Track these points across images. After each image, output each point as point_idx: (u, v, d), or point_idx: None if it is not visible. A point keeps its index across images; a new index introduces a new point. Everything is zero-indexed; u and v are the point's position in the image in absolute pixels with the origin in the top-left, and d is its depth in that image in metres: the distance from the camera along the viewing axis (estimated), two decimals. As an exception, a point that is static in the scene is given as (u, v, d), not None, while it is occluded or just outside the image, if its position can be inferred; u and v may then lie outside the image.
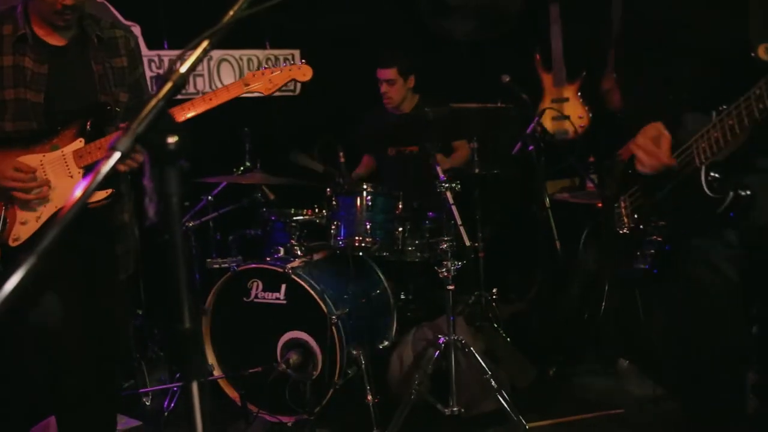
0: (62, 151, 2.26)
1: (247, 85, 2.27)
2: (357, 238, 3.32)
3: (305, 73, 2.36)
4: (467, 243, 3.12)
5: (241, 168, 3.71)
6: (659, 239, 1.83)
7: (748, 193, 1.69)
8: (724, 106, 1.62)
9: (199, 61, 0.96)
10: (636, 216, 1.91)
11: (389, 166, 4.07)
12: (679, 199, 1.77)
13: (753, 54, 1.59)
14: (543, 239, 3.77)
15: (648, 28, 1.80)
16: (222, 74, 4.33)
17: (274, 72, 2.32)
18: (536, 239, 3.88)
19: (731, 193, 1.68)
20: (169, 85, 0.94)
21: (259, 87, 2.30)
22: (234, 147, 3.78)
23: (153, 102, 0.93)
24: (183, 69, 0.95)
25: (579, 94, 4.40)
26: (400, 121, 3.48)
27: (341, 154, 3.58)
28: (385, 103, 3.92)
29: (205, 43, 0.95)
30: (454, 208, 3.03)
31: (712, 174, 1.69)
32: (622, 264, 1.94)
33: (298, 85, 4.36)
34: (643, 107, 1.77)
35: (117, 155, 0.89)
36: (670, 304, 1.90)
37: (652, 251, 1.84)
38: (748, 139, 1.64)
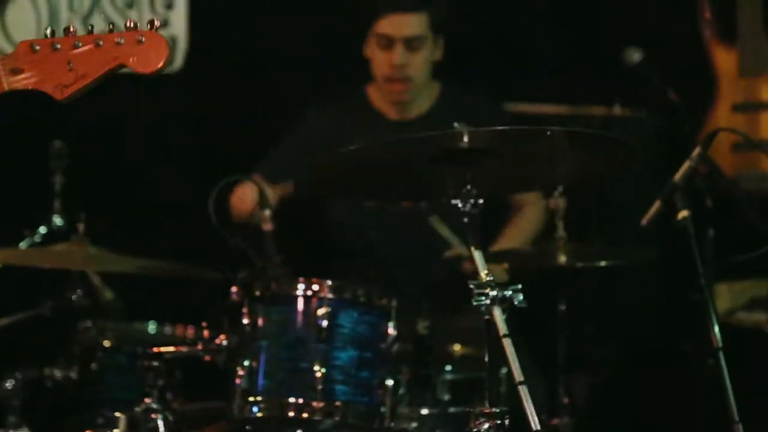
0: None
1: (15, 72, 2.34)
2: (293, 400, 3.41)
3: (153, 53, 2.40)
4: (534, 425, 3.04)
5: (40, 230, 3.87)
6: None
7: None
8: None
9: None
10: None
11: (366, 234, 4.34)
12: None
13: None
14: (713, 420, 3.83)
15: None
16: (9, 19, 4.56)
17: (79, 47, 2.38)
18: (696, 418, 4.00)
19: None
20: None
21: (35, 81, 2.37)
22: (30, 183, 4.06)
23: None
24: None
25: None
26: (418, 136, 3.44)
27: (267, 213, 3.61)
28: (395, 91, 4.29)
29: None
30: (507, 343, 2.98)
31: None
32: None
33: (178, 56, 4.58)
34: None
35: None
36: None
37: None
38: None
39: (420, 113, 4.32)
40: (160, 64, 2.47)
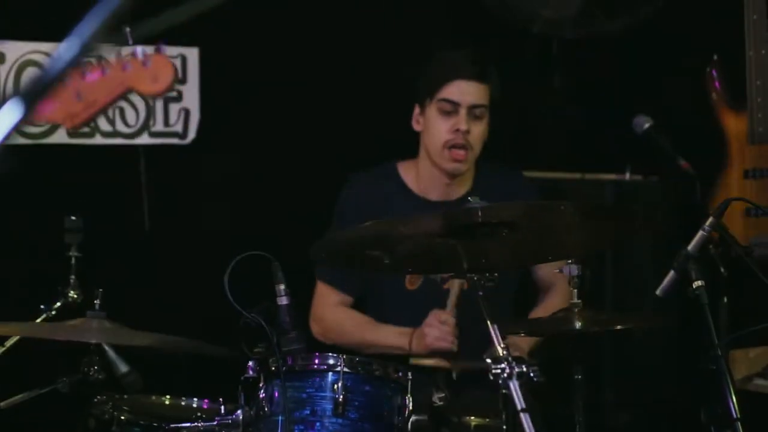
0: None
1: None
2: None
3: (158, 74, 2.48)
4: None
5: (56, 305, 3.86)
6: None
7: None
8: None
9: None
10: None
11: (401, 311, 4.32)
12: None
13: None
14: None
15: None
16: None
17: (86, 73, 2.47)
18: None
19: None
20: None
21: (46, 113, 2.33)
22: (43, 258, 4.12)
23: None
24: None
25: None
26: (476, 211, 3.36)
27: (282, 287, 3.53)
28: (455, 158, 4.25)
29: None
30: (524, 417, 3.03)
31: None
32: None
33: (191, 128, 4.70)
34: None
35: None
36: None
37: None
38: None
39: (462, 194, 4.30)
40: (166, 85, 2.49)
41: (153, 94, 2.75)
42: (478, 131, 4.19)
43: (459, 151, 4.18)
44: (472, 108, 4.15)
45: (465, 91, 4.19)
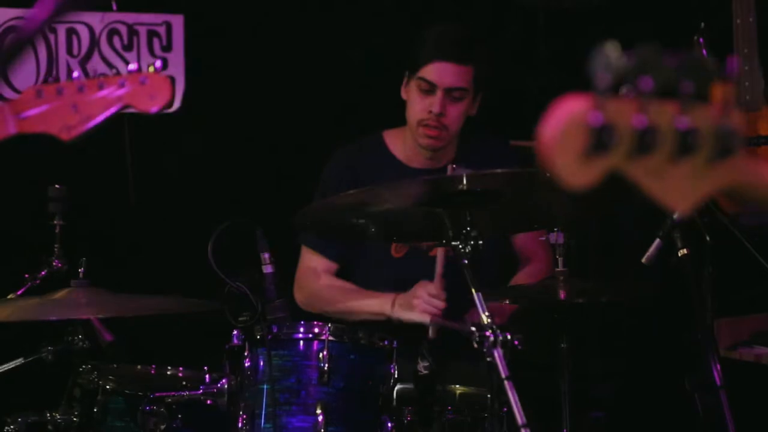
0: None
1: (17, 114, 2.41)
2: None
3: (156, 93, 2.45)
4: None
5: (41, 274, 3.86)
6: None
7: None
8: None
9: None
10: None
11: (387, 279, 4.27)
12: None
13: None
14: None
15: None
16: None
17: (83, 90, 2.43)
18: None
19: None
20: None
21: (42, 125, 2.40)
22: (27, 227, 4.15)
23: None
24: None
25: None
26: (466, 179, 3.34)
27: (266, 255, 3.56)
28: (428, 135, 4.22)
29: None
30: (508, 385, 3.05)
31: None
32: None
33: (175, 96, 4.62)
34: None
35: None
36: None
37: None
38: None
39: (446, 162, 4.21)
40: (164, 103, 2.48)
41: (148, 112, 2.73)
42: (455, 112, 4.16)
43: (432, 130, 4.16)
44: (449, 90, 4.12)
45: (443, 73, 4.15)
